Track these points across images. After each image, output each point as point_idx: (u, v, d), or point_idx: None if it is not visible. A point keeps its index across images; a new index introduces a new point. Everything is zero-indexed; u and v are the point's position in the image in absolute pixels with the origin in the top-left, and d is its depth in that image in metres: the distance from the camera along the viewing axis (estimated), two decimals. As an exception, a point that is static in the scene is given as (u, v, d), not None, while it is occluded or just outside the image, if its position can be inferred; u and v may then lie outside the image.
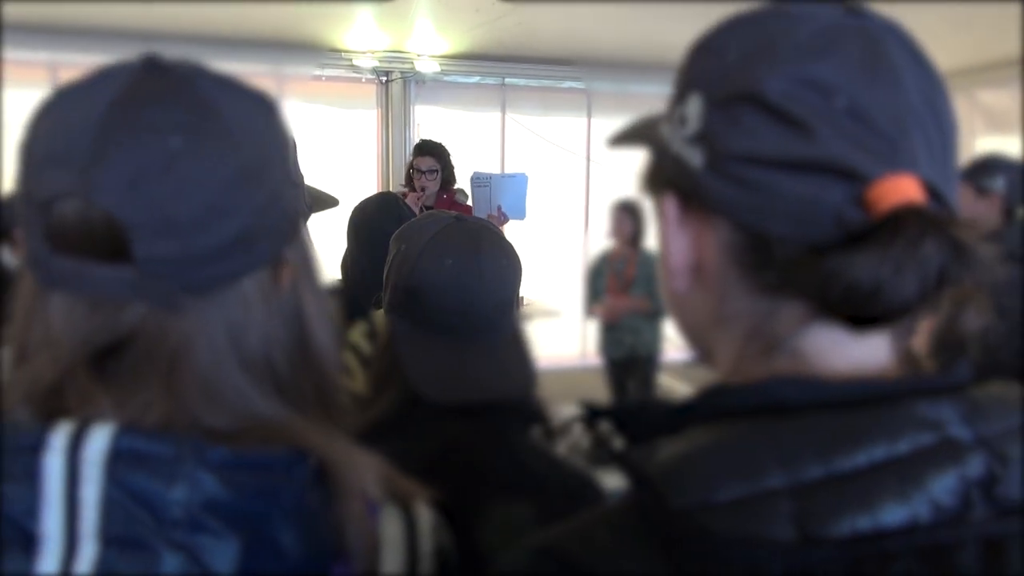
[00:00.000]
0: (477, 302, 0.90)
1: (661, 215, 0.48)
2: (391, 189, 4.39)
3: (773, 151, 0.41)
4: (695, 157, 0.44)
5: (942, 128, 0.42)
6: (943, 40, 3.95)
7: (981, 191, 2.32)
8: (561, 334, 5.14)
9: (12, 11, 3.34)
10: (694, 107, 0.44)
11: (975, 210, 2.31)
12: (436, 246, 0.92)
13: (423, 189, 3.20)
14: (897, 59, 0.42)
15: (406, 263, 0.92)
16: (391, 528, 0.56)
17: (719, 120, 0.43)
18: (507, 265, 0.93)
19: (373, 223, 1.73)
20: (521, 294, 1.00)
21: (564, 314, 4.87)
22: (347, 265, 1.76)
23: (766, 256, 0.42)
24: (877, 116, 0.40)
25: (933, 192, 0.41)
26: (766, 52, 0.42)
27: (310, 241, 0.59)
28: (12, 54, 3.66)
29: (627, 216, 3.76)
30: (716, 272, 0.45)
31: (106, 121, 0.47)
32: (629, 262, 3.79)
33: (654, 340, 3.85)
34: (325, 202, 0.60)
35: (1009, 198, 2.32)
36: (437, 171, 3.25)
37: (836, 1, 0.44)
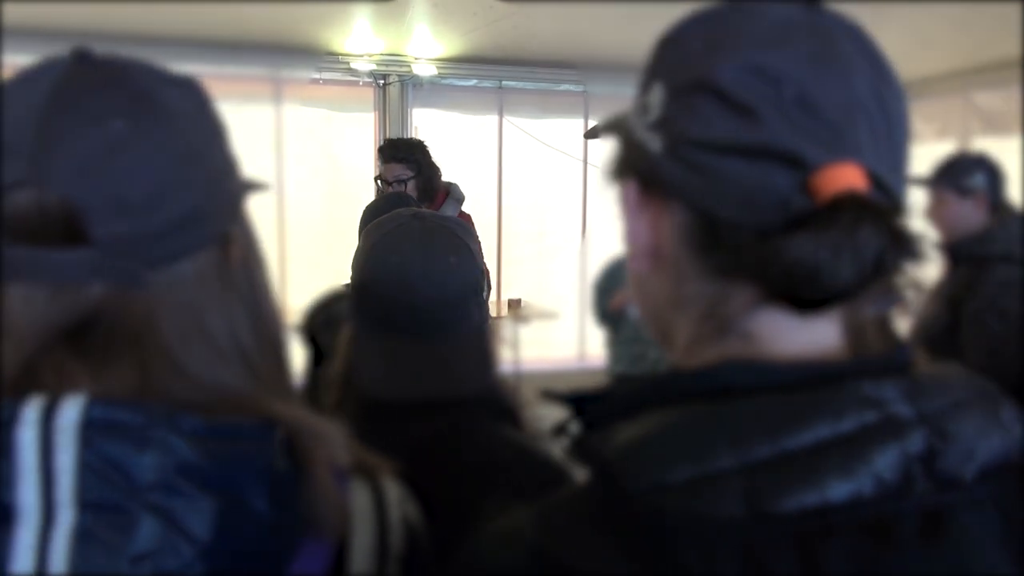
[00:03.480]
0: (422, 299, 0.88)
1: (624, 200, 0.50)
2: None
3: (724, 137, 0.42)
4: (655, 143, 0.46)
5: (890, 122, 0.44)
6: (941, 42, 3.96)
7: (963, 191, 2.27)
8: (559, 336, 5.14)
9: (12, 16, 3.33)
10: (656, 95, 0.46)
11: (961, 211, 2.27)
12: (386, 243, 0.91)
13: None
14: (849, 55, 0.44)
15: (360, 260, 0.92)
16: (361, 498, 0.58)
17: (677, 107, 0.45)
18: (456, 263, 0.91)
19: None
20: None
21: (562, 316, 4.87)
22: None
23: (716, 239, 0.44)
24: (824, 106, 0.42)
25: (877, 181, 0.43)
26: (722, 43, 0.44)
27: (251, 221, 0.61)
28: (11, 58, 3.65)
29: None
30: (672, 255, 0.47)
31: (48, 111, 0.49)
32: None
33: None
34: (257, 186, 0.63)
35: (992, 193, 2.28)
36: (407, 180, 2.63)
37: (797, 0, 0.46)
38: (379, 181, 2.74)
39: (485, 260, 1.04)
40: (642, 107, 0.48)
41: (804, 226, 0.40)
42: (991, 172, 2.30)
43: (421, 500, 0.66)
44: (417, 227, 0.93)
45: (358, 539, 0.56)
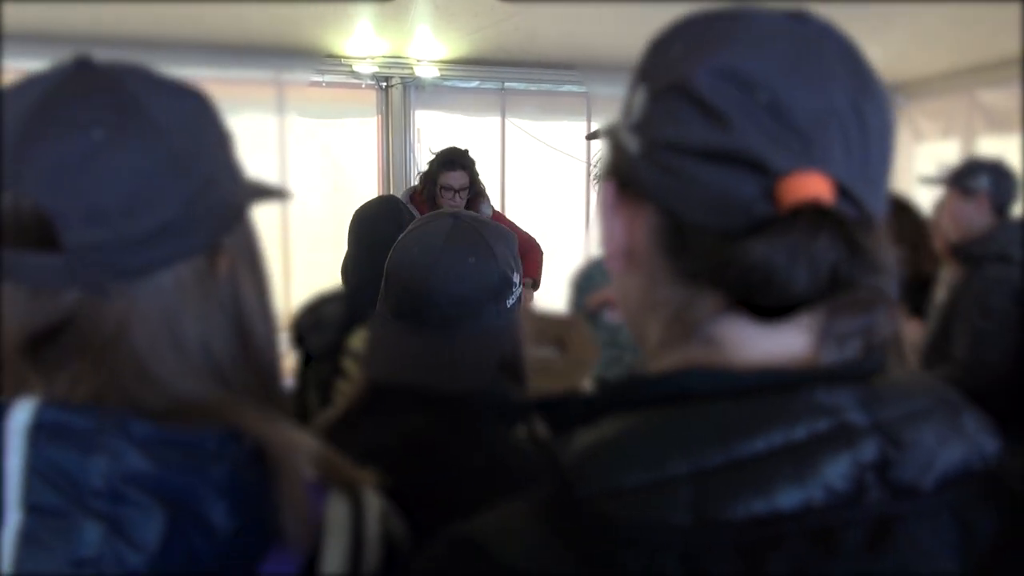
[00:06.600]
0: (433, 293, 0.90)
1: (601, 200, 0.50)
2: (394, 194, 4.38)
3: (695, 140, 0.42)
4: (633, 144, 0.46)
5: (867, 134, 0.43)
6: (943, 40, 3.95)
7: (967, 192, 2.34)
8: (563, 338, 5.13)
9: (12, 21, 3.34)
10: (639, 97, 0.46)
11: (964, 212, 2.34)
12: (415, 235, 0.94)
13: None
14: (829, 63, 0.43)
15: (391, 251, 0.95)
16: (336, 511, 0.57)
17: (655, 109, 0.45)
18: (473, 264, 0.91)
19: (375, 227, 1.73)
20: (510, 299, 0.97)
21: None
22: (348, 270, 1.75)
23: (683, 243, 0.44)
24: (796, 114, 0.41)
25: (845, 192, 0.42)
26: (702, 47, 0.44)
27: (254, 231, 0.60)
28: (13, 63, 3.66)
29: None
30: (646, 257, 0.47)
31: (32, 118, 0.50)
32: None
33: None
34: (272, 193, 0.62)
35: (997, 196, 2.34)
36: (467, 187, 2.85)
37: (786, 7, 0.45)
38: (436, 186, 2.81)
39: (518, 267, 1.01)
40: (627, 109, 0.48)
41: (762, 232, 0.40)
42: (998, 175, 2.35)
43: (413, 498, 0.66)
44: (447, 224, 0.94)
45: (329, 553, 0.56)
